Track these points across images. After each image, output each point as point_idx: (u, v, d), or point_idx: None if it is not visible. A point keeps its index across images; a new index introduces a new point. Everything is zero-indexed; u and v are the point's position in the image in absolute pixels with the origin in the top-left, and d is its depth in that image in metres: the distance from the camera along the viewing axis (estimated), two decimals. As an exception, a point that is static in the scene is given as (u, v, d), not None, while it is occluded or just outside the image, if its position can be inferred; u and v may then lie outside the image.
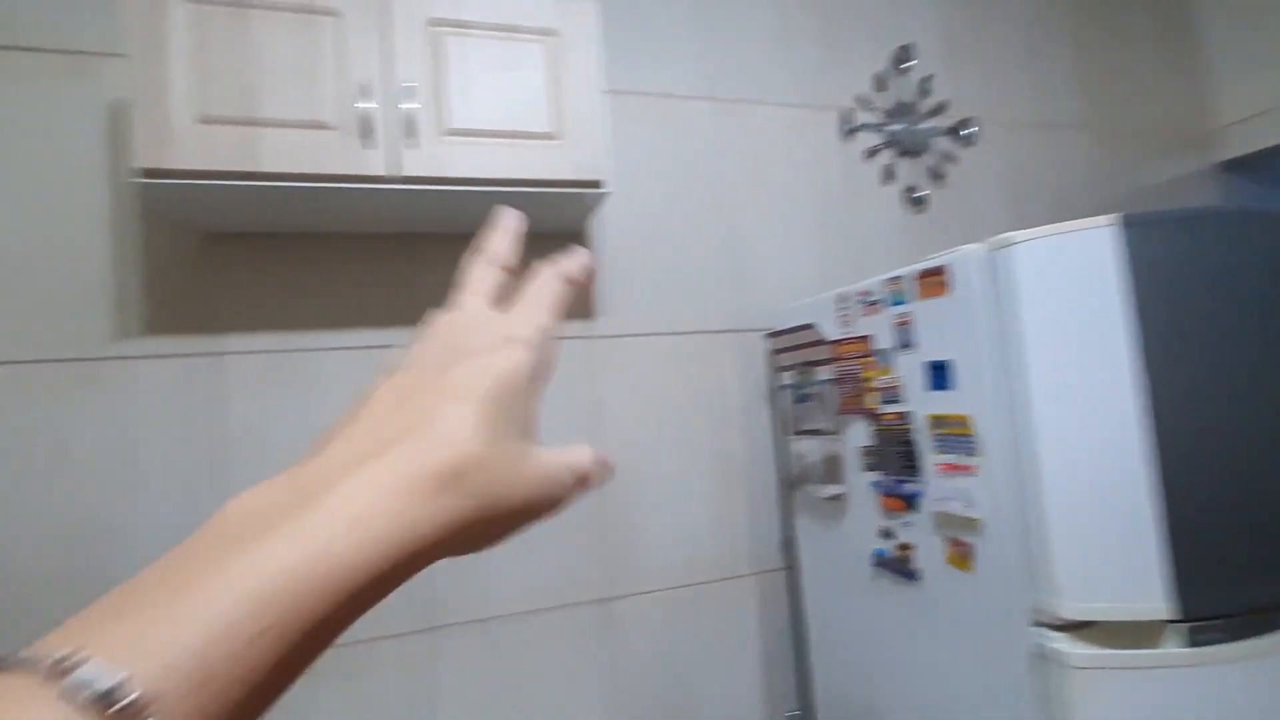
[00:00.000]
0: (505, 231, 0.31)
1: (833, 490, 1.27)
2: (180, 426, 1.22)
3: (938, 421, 1.03)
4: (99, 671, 0.15)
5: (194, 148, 1.01)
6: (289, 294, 1.29)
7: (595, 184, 1.21)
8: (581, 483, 0.27)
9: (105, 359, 1.19)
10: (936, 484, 1.03)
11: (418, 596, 1.30)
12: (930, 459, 1.05)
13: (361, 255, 1.34)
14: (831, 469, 1.29)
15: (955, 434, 1.00)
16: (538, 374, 0.27)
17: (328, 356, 1.30)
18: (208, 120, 1.02)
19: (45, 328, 1.17)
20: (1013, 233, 0.96)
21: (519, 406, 0.25)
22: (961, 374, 1.00)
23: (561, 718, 1.36)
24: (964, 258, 0.99)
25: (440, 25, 1.14)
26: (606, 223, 1.50)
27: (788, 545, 1.54)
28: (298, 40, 1.06)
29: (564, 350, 1.44)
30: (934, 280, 1.03)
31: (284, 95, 1.05)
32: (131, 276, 1.22)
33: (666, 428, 1.49)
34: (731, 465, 1.53)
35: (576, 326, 1.45)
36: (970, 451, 0.98)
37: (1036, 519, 0.93)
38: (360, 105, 1.08)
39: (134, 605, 0.17)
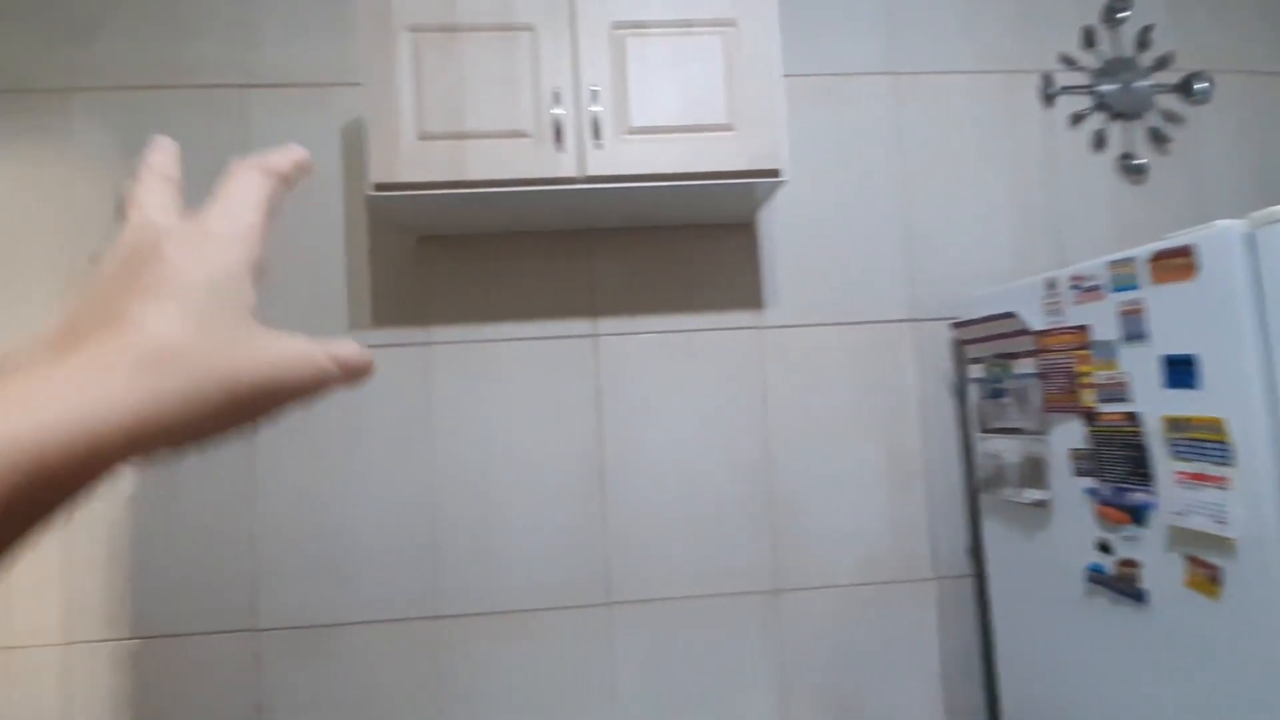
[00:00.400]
0: (160, 149, 0.28)
1: (1035, 495, 1.16)
2: (397, 406, 1.38)
3: (1178, 424, 0.90)
4: None
5: (415, 162, 1.14)
6: (484, 289, 1.42)
7: (773, 173, 1.19)
8: (348, 372, 0.26)
9: (341, 349, 1.38)
10: (1175, 495, 0.91)
11: (597, 574, 1.38)
12: (1166, 466, 0.93)
13: (545, 252, 1.43)
14: (1033, 472, 1.18)
15: (1202, 439, 0.87)
16: (253, 271, 0.25)
17: (515, 346, 1.41)
18: (425, 137, 1.14)
19: (299, 320, 1.38)
20: (1287, 205, 0.81)
21: (236, 296, 0.24)
22: (1211, 370, 0.87)
23: (731, 701, 1.38)
24: (1219, 236, 0.85)
25: (622, 28, 1.18)
26: (776, 209, 1.48)
27: (975, 551, 1.44)
28: (499, 56, 1.15)
29: (730, 341, 1.44)
30: (1176, 263, 0.90)
31: (487, 108, 1.15)
32: (361, 276, 1.40)
33: (839, 421, 1.45)
34: (910, 462, 1.45)
35: (743, 317, 1.45)
36: (1222, 460, 0.85)
37: (1315, 543, 0.78)
38: (553, 111, 1.15)
39: None
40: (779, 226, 1.48)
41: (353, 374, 0.26)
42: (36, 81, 1.38)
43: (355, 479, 1.37)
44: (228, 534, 1.34)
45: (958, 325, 1.35)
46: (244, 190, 0.27)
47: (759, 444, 1.43)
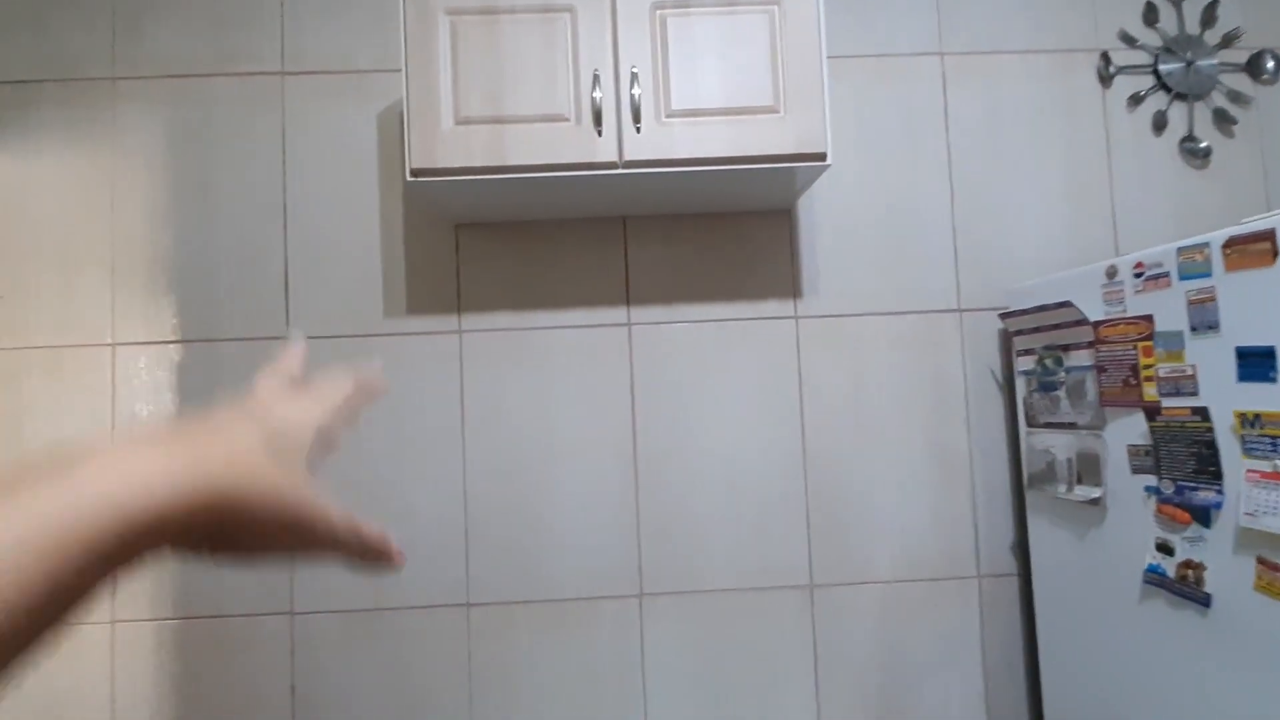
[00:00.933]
0: (293, 349, 0.38)
1: (1089, 493, 1.12)
2: (432, 394, 1.38)
3: (1253, 420, 0.86)
4: None
5: (453, 147, 1.12)
6: (519, 277, 1.41)
7: (818, 156, 1.15)
8: (365, 549, 0.31)
9: (377, 335, 1.39)
10: (1250, 495, 0.86)
11: (631, 565, 1.37)
12: (1237, 464, 0.88)
13: (582, 239, 1.41)
14: (1086, 468, 1.13)
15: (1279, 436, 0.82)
16: (319, 438, 0.32)
17: (549, 334, 1.40)
18: (463, 121, 1.13)
19: (338, 308, 1.39)
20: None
21: (298, 445, 0.31)
22: (1290, 363, 0.82)
23: (767, 695, 1.37)
24: (1303, 220, 0.80)
25: (663, 7, 1.15)
26: (816, 195, 1.44)
27: (1022, 549, 1.39)
28: (538, 38, 1.13)
29: (766, 330, 1.41)
30: (1254, 248, 0.85)
31: (526, 91, 1.13)
32: (396, 264, 1.40)
33: (880, 413, 1.41)
34: (955, 457, 1.40)
35: (779, 306, 1.42)
36: (1302, 458, 0.80)
37: (1406, 548, 0.73)
38: (592, 95, 1.12)
39: None
40: (819, 213, 1.44)
41: (369, 552, 0.32)
42: (82, 71, 1.40)
43: (390, 465, 1.37)
44: (267, 518, 1.35)
45: (1006, 315, 1.30)
46: (335, 386, 0.36)
47: (796, 435, 1.40)
